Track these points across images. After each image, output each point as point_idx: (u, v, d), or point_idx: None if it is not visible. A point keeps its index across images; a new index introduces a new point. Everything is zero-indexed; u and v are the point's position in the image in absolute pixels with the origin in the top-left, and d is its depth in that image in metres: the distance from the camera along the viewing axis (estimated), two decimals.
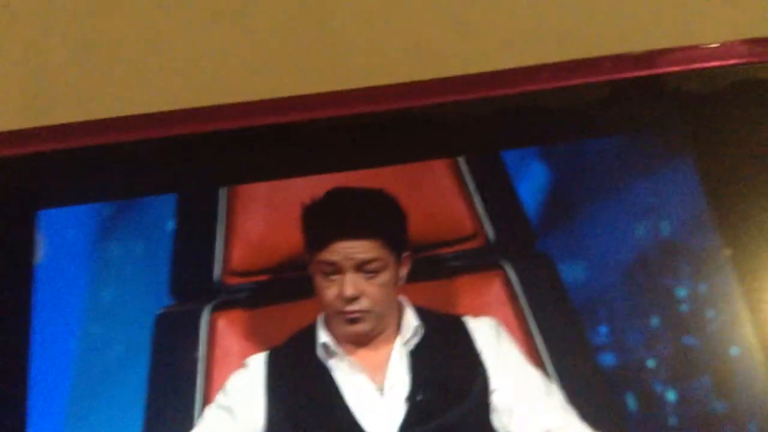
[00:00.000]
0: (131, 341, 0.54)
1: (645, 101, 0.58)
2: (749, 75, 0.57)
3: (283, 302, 0.55)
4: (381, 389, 0.52)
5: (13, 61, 0.64)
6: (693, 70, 0.58)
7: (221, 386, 0.53)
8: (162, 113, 0.59)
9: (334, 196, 0.55)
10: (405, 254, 0.54)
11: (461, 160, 0.57)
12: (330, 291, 0.53)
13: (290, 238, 0.56)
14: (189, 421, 0.52)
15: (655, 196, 0.55)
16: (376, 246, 0.53)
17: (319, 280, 0.53)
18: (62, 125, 0.59)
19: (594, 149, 0.57)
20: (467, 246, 0.56)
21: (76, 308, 0.56)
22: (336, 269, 0.53)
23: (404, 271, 0.54)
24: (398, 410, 0.52)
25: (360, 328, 0.53)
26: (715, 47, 0.58)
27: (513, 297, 0.54)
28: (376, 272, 0.53)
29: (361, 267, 0.53)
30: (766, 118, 0.56)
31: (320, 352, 0.53)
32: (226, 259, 0.57)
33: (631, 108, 0.58)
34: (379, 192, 0.55)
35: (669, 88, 0.58)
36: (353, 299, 0.53)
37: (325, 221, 0.54)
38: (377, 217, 0.54)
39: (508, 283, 0.55)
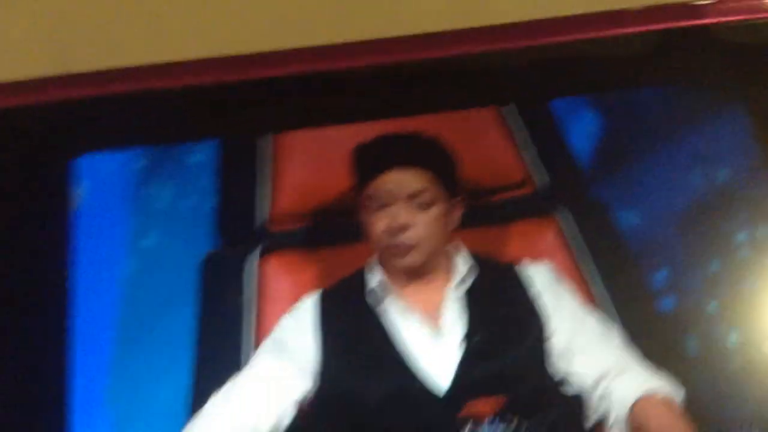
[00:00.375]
0: (176, 286, 0.53)
1: (695, 52, 0.57)
2: None
3: (332, 246, 0.55)
4: (436, 331, 0.51)
5: (51, 8, 0.63)
6: (743, 21, 0.58)
7: (272, 328, 0.52)
8: (205, 60, 0.58)
9: (386, 136, 0.54)
10: (457, 198, 0.53)
11: (511, 109, 0.56)
12: (379, 224, 0.52)
13: (336, 184, 0.55)
14: (239, 361, 0.51)
15: (709, 144, 0.54)
16: (426, 178, 0.52)
17: (369, 215, 0.52)
18: (104, 71, 0.58)
19: (645, 98, 0.56)
20: (517, 193, 0.55)
21: (118, 253, 0.54)
22: (386, 201, 0.52)
23: (456, 215, 0.54)
24: (454, 352, 0.51)
25: (409, 260, 0.52)
26: None
27: (567, 243, 0.54)
28: (426, 205, 0.52)
29: (411, 198, 0.52)
30: None
31: (372, 295, 0.52)
32: (272, 204, 0.56)
33: (682, 58, 0.57)
34: (430, 136, 0.54)
35: (719, 38, 0.57)
36: (402, 229, 0.52)
37: (377, 153, 0.53)
38: (428, 151, 0.53)
39: (561, 229, 0.54)
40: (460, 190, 0.54)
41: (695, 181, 0.54)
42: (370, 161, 0.53)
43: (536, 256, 0.53)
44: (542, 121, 0.56)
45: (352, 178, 0.54)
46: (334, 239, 0.55)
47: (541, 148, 0.56)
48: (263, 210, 0.56)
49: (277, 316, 0.52)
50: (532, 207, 0.55)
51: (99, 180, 0.56)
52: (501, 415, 0.48)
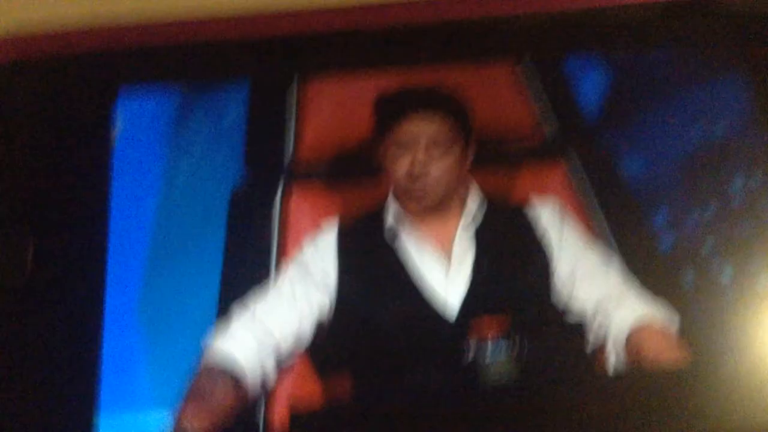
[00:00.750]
0: (207, 212, 0.57)
1: (702, 20, 0.61)
2: None
3: (352, 178, 0.58)
4: (447, 261, 0.55)
5: None
6: None
7: (293, 252, 0.56)
8: (238, 17, 0.61)
9: (408, 87, 0.57)
10: (471, 145, 0.57)
11: (525, 66, 0.60)
12: (399, 167, 0.56)
13: (357, 131, 0.59)
14: (263, 279, 0.55)
15: (710, 102, 0.58)
16: (447, 124, 0.56)
17: (389, 158, 0.56)
18: (142, 23, 0.62)
19: (652, 60, 0.59)
20: (528, 143, 0.59)
21: (153, 184, 0.58)
22: (407, 146, 0.56)
23: (469, 159, 0.57)
24: (463, 280, 0.54)
25: (424, 203, 0.56)
26: None
27: (573, 184, 0.57)
28: (445, 152, 0.56)
29: (431, 144, 0.55)
30: None
31: (389, 232, 0.56)
32: (297, 144, 0.59)
33: (689, 25, 0.61)
34: (449, 88, 0.58)
35: (725, 8, 0.61)
36: (420, 176, 0.55)
37: (401, 98, 0.57)
38: (447, 101, 0.57)
39: (569, 171, 0.57)
40: (474, 139, 0.57)
41: (695, 134, 0.57)
42: (394, 107, 0.56)
43: (546, 194, 0.57)
44: (555, 77, 0.60)
45: (374, 124, 0.57)
46: (354, 173, 0.58)
47: (553, 102, 0.60)
48: (289, 148, 0.59)
49: (299, 242, 0.56)
50: (541, 152, 0.59)
51: (138, 117, 0.60)
52: (504, 335, 0.51)
